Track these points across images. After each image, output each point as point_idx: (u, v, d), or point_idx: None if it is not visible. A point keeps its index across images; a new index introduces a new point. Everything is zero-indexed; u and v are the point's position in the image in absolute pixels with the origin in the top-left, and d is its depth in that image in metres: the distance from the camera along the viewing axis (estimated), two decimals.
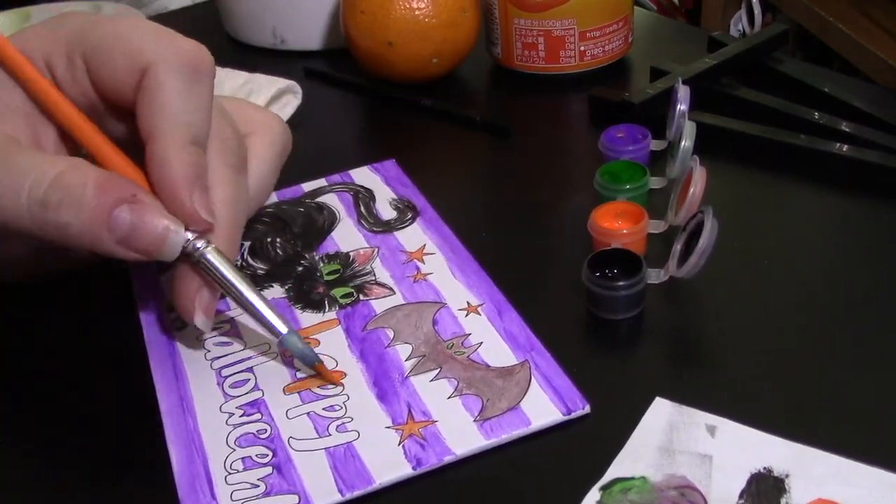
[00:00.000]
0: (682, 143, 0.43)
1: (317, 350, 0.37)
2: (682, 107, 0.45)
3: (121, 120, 0.37)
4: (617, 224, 0.41)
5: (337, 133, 0.58)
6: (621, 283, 0.37)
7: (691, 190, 0.39)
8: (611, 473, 0.31)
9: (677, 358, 0.37)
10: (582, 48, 0.58)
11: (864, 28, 1.23)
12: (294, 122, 0.58)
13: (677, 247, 0.38)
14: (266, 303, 0.36)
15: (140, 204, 0.33)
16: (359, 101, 0.61)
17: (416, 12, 0.56)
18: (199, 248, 0.35)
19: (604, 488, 0.31)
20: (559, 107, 0.58)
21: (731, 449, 0.32)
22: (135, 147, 0.36)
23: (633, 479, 0.31)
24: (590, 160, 0.49)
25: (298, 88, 0.58)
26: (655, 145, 0.48)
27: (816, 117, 0.50)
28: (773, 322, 0.37)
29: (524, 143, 0.54)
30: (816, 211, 0.45)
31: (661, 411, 0.34)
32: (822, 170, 0.46)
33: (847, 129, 0.48)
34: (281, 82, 0.57)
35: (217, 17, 0.72)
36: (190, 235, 0.35)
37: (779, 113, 0.51)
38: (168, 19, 0.80)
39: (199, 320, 0.36)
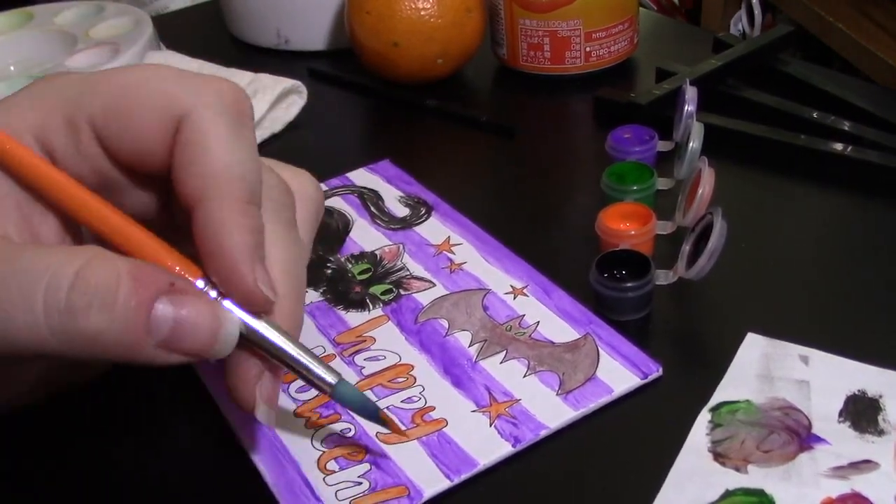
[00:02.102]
0: (690, 144, 0.43)
1: (375, 347, 0.38)
2: (689, 108, 0.45)
3: (143, 190, 0.31)
4: (625, 225, 0.41)
5: (341, 134, 0.58)
6: (629, 285, 0.37)
7: (700, 191, 0.39)
8: (717, 398, 0.34)
9: (684, 359, 0.37)
10: (587, 49, 0.58)
11: (864, 28, 1.23)
12: (299, 122, 0.58)
13: (686, 248, 0.38)
14: (318, 360, 0.31)
15: (181, 294, 0.27)
16: (363, 102, 0.61)
17: (422, 13, 0.56)
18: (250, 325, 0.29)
19: (713, 410, 0.34)
20: (564, 108, 0.58)
21: (825, 375, 0.34)
22: (160, 222, 0.31)
23: (738, 402, 0.34)
24: (596, 161, 0.49)
25: (303, 88, 0.58)
26: (662, 146, 0.48)
27: (817, 118, 0.50)
28: (778, 322, 0.37)
29: (529, 143, 0.54)
30: (824, 211, 0.45)
31: (754, 344, 0.36)
32: (829, 170, 0.46)
33: (853, 131, 0.48)
34: (286, 82, 0.57)
35: (221, 18, 0.72)
36: (243, 317, 0.29)
37: (784, 114, 0.51)
38: (172, 20, 0.80)
39: (262, 412, 0.30)
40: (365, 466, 0.32)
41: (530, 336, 0.37)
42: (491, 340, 0.37)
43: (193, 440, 0.35)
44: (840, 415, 0.33)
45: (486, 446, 0.33)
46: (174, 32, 0.72)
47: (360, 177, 0.50)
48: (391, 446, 0.33)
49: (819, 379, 0.34)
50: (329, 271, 0.43)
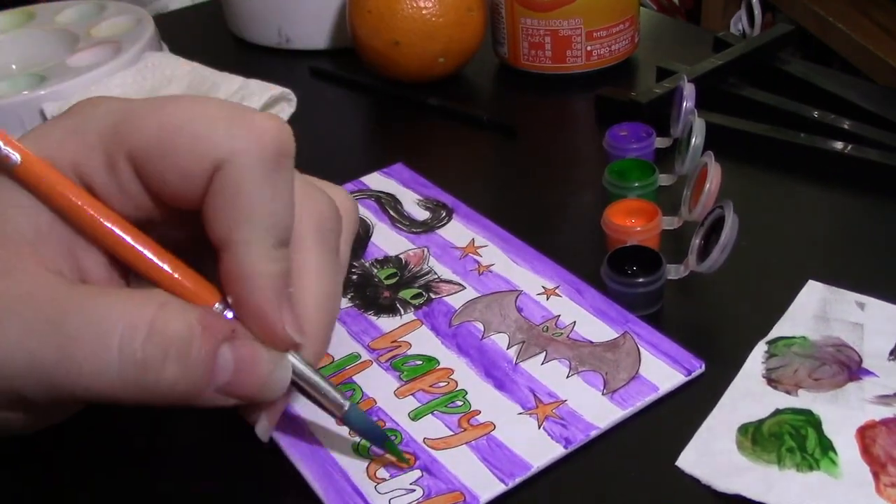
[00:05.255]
0: (693, 139, 0.43)
1: (411, 352, 0.37)
2: (688, 104, 0.45)
3: (181, 222, 0.30)
4: (631, 221, 0.41)
5: (343, 133, 0.58)
6: (641, 280, 0.37)
7: (707, 185, 0.39)
8: (775, 332, 0.36)
9: (695, 354, 0.37)
10: (588, 48, 0.58)
11: (864, 28, 1.23)
12: (300, 119, 0.57)
13: (696, 242, 0.38)
14: (332, 386, 0.31)
15: (241, 341, 0.28)
16: (365, 101, 0.61)
17: (423, 11, 0.56)
18: None
19: (770, 342, 0.36)
20: (566, 106, 0.58)
21: (879, 319, 0.37)
22: (194, 250, 0.30)
23: (794, 337, 0.36)
24: (597, 159, 0.49)
25: (292, 96, 0.57)
26: (659, 143, 0.48)
27: (817, 116, 0.50)
28: (777, 319, 0.37)
29: (531, 142, 0.54)
30: (824, 209, 0.45)
31: (813, 289, 0.38)
32: (829, 169, 0.46)
33: (853, 130, 0.48)
34: (274, 89, 0.56)
35: (222, 17, 0.72)
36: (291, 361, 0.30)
37: (785, 113, 0.51)
38: (175, 19, 0.80)
39: (262, 428, 0.31)
40: (416, 473, 0.32)
41: (568, 336, 0.37)
42: (529, 342, 0.37)
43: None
44: (891, 354, 0.35)
45: (538, 448, 0.32)
46: (175, 32, 0.72)
47: (375, 181, 0.49)
48: (440, 452, 0.32)
49: (873, 322, 0.36)
50: (355, 276, 0.42)
